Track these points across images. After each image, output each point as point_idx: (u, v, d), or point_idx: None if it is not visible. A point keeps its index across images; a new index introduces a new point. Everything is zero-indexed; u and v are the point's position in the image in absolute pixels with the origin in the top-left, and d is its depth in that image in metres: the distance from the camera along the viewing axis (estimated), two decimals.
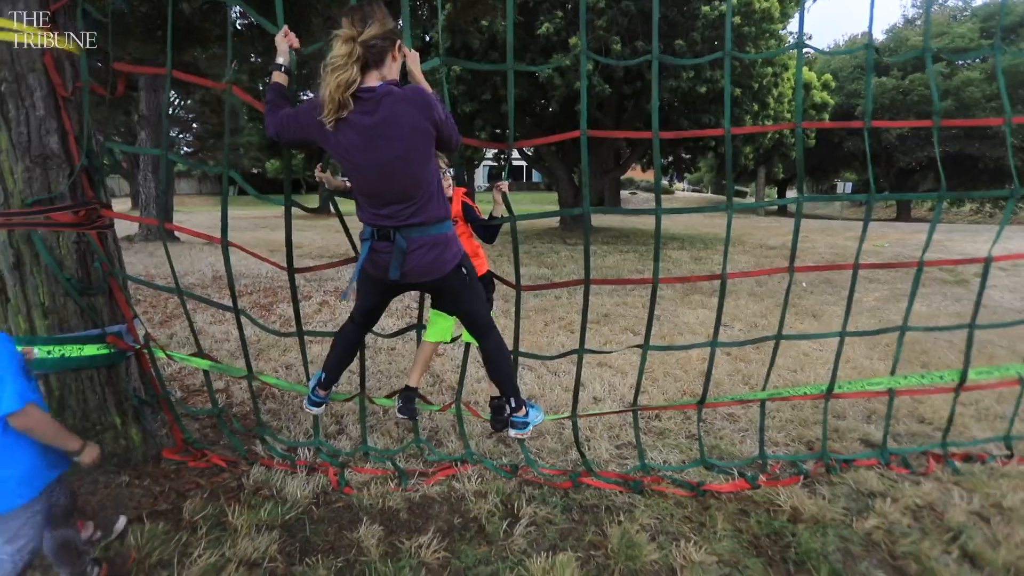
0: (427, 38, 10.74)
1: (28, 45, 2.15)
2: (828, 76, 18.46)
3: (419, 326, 2.69)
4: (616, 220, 16.74)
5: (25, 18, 2.14)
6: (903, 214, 26.31)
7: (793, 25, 11.15)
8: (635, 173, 25.53)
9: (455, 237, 1.97)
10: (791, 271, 2.47)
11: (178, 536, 2.07)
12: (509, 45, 2.27)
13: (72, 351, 2.32)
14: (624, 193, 33.16)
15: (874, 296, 7.03)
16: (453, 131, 1.88)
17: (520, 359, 2.67)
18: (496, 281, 2.75)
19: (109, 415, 2.49)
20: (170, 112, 14.91)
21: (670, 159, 14.67)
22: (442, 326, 2.65)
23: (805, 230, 15.65)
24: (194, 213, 22.36)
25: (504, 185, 2.42)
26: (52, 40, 2.19)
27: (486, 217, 2.47)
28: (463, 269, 1.99)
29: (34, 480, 1.56)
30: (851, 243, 12.28)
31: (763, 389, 2.66)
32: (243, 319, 2.53)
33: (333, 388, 2.40)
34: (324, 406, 2.41)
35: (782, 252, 11.30)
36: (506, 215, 2.40)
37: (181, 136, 23.63)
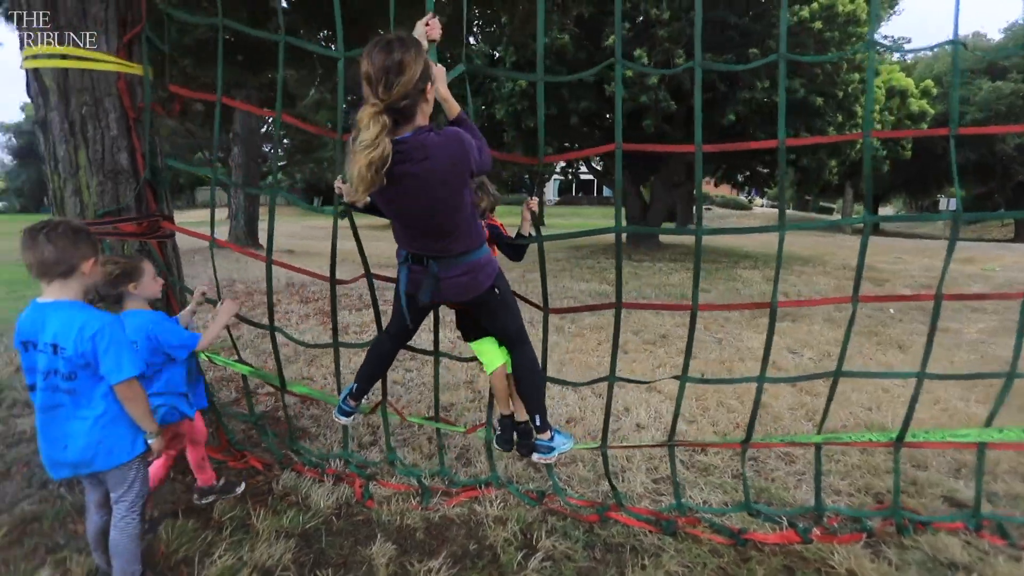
0: (495, 54, 10.94)
1: (106, 72, 2.37)
2: (929, 82, 16.78)
3: (436, 352, 2.59)
4: (687, 237, 16.09)
5: (104, 48, 2.37)
6: (1022, 234, 23.33)
7: (888, 28, 10.25)
8: (709, 188, 24.46)
9: (489, 259, 1.95)
10: (855, 301, 2.20)
11: (204, 535, 2.15)
12: (540, 56, 2.20)
13: None
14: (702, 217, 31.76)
15: (978, 327, 6.22)
16: (487, 160, 1.81)
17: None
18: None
19: None
20: (263, 129, 16.08)
21: (747, 174, 13.90)
22: (491, 352, 2.36)
23: (897, 251, 14.27)
24: (280, 223, 24.03)
25: (533, 203, 2.34)
26: (126, 67, 2.40)
27: (514, 235, 2.39)
28: (496, 289, 1.97)
29: (140, 437, 1.77)
30: (952, 265, 11.01)
31: (819, 431, 2.37)
32: (277, 332, 2.62)
33: (364, 400, 2.42)
34: (354, 416, 2.43)
35: (868, 273, 10.32)
36: (534, 234, 2.32)
37: (271, 151, 25.52)
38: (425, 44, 1.79)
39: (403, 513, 2.35)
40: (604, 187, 38.47)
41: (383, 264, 10.81)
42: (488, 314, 2.08)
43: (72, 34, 2.30)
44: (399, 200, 1.75)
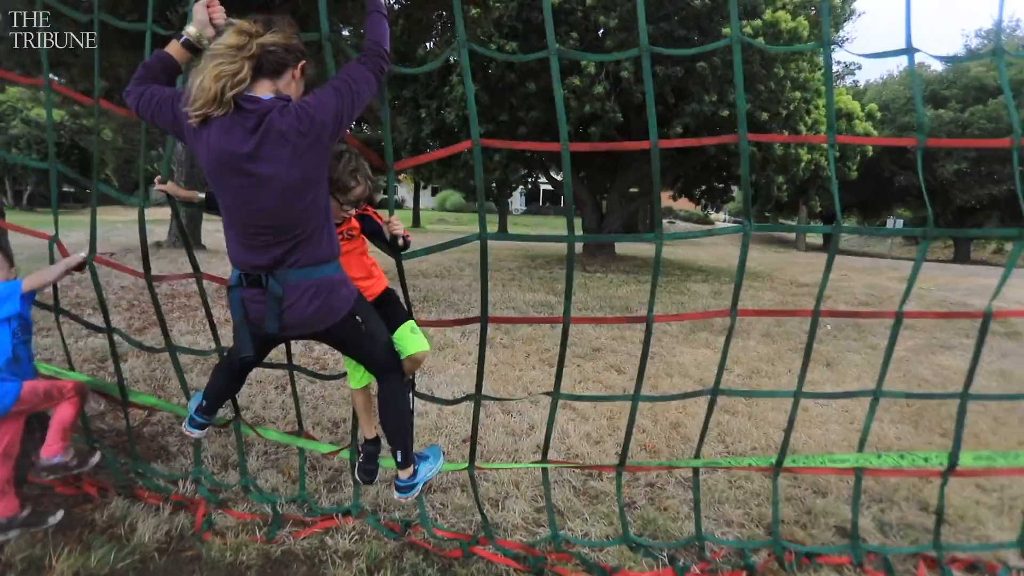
0: (451, 59, 10.79)
1: None
2: (873, 106, 17.40)
3: (291, 366, 2.33)
4: (644, 248, 16.18)
5: None
6: (961, 255, 24.42)
7: (837, 55, 10.49)
8: (670, 202, 24.82)
9: (344, 279, 1.66)
10: (733, 315, 2.05)
11: None
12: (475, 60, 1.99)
13: None
14: (666, 221, 32.34)
15: (906, 345, 6.29)
16: (361, 97, 1.55)
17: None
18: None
19: None
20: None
21: (703, 188, 14.05)
22: (360, 368, 2.13)
23: (845, 268, 14.65)
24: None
25: (397, 226, 1.92)
26: None
27: (385, 226, 1.98)
28: (357, 317, 1.69)
29: None
30: (893, 284, 11.32)
31: (696, 455, 2.21)
32: (116, 335, 2.31)
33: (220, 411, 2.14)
34: (207, 430, 2.13)
35: (813, 290, 10.49)
36: (409, 240, 1.98)
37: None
38: (209, 30, 1.57)
39: (240, 547, 2.06)
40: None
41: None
42: (346, 346, 1.81)
43: None
44: (234, 173, 1.45)
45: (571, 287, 1.97)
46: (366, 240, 2.01)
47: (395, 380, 1.87)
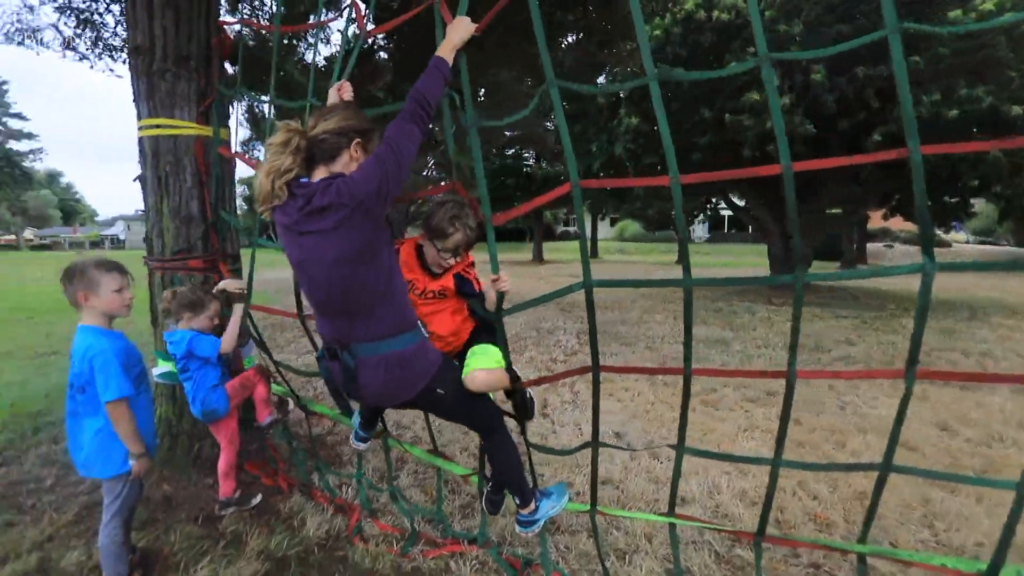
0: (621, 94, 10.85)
1: (187, 136, 2.86)
2: None
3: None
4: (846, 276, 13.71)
5: (186, 117, 2.87)
6: None
7: None
8: (880, 221, 20.78)
9: (420, 352, 1.64)
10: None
11: (203, 544, 2.34)
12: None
13: None
14: (876, 246, 26.99)
15: None
16: (404, 143, 1.53)
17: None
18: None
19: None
20: None
21: (928, 204, 11.44)
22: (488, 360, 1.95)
23: None
24: None
25: (502, 281, 1.80)
26: (200, 130, 2.88)
27: (481, 295, 1.96)
28: (439, 390, 1.67)
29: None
30: None
31: (861, 539, 1.75)
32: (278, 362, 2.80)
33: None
34: (369, 442, 2.43)
35: None
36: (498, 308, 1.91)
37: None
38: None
39: (378, 556, 2.30)
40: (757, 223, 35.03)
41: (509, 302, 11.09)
42: (439, 413, 1.84)
43: (163, 110, 2.83)
44: (301, 261, 1.57)
45: (690, 337, 1.77)
46: (461, 300, 1.99)
47: (499, 437, 1.88)
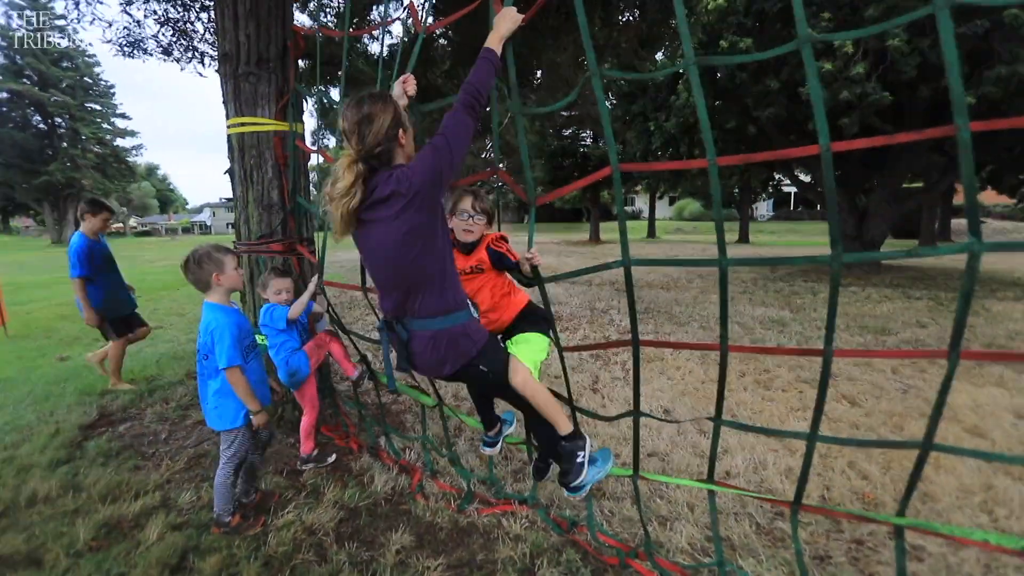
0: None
1: (267, 132, 3.17)
2: None
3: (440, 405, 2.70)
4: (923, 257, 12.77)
5: (267, 114, 3.17)
6: None
7: None
8: (984, 196, 18.96)
9: (465, 331, 1.75)
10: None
11: (287, 494, 2.69)
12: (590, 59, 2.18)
13: None
14: (964, 223, 24.64)
15: None
16: (459, 131, 1.65)
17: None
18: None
19: (292, 392, 3.38)
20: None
21: (1020, 177, 10.38)
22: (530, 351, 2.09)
23: None
24: None
25: (537, 257, 2.00)
26: (279, 126, 3.17)
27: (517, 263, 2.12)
28: (481, 367, 1.79)
29: (243, 412, 2.33)
30: None
31: (899, 512, 1.80)
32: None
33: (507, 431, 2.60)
34: (499, 446, 2.56)
35: None
36: (536, 276, 2.11)
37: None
38: (404, 100, 1.96)
39: (437, 511, 2.55)
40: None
41: None
42: (484, 387, 1.97)
43: (247, 108, 3.15)
44: (366, 244, 1.73)
45: (726, 313, 1.85)
46: (498, 272, 2.15)
47: (537, 413, 1.98)
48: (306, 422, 2.98)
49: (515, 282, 2.25)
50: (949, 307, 7.49)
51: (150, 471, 2.92)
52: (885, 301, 7.98)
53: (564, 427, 2.00)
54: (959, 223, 22.45)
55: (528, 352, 2.01)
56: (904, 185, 11.03)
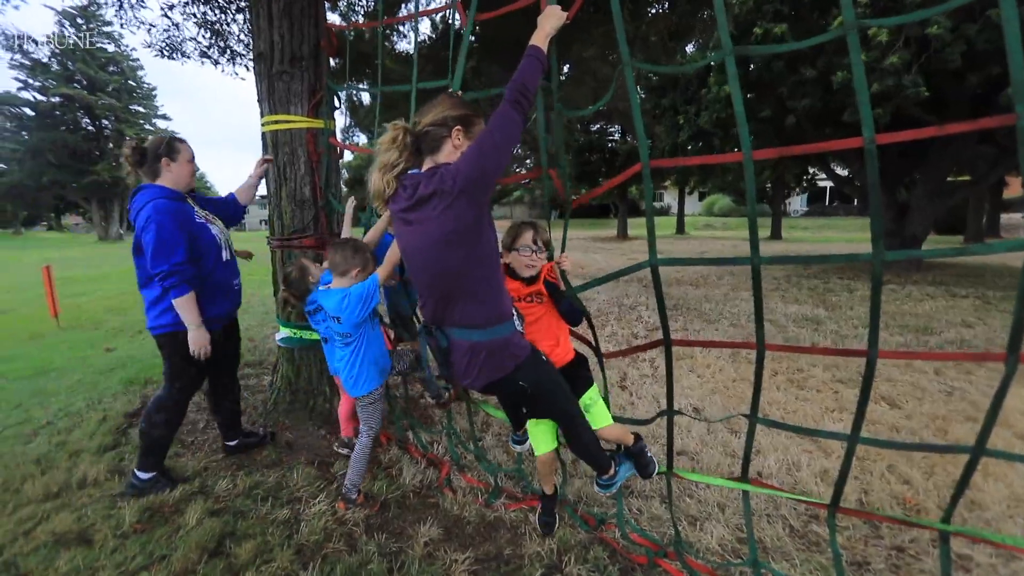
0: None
1: (300, 129, 3.23)
2: None
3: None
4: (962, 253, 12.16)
5: (300, 112, 3.23)
6: None
7: None
8: (1020, 189, 17.98)
9: (509, 345, 1.69)
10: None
11: (319, 484, 2.75)
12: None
13: (307, 335, 3.33)
14: (1015, 217, 23.36)
15: None
16: (507, 129, 1.55)
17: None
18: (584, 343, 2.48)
19: (323, 384, 3.46)
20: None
21: None
22: (544, 435, 2.28)
23: None
24: None
25: (566, 261, 2.07)
26: (312, 123, 3.23)
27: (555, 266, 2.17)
28: (520, 383, 1.72)
29: (381, 376, 2.57)
30: None
31: (945, 519, 1.72)
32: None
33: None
34: (525, 444, 2.53)
35: None
36: (574, 291, 2.16)
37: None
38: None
39: (465, 505, 2.57)
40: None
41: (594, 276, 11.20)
42: (523, 403, 1.88)
43: (281, 106, 3.22)
44: (407, 246, 1.69)
45: (761, 312, 1.81)
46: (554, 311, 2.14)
47: (574, 427, 1.98)
48: (344, 407, 3.03)
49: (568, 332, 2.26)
50: (998, 306, 7.13)
51: (188, 459, 3.03)
52: (927, 299, 7.66)
53: (630, 440, 2.24)
54: (1008, 218, 21.36)
55: (599, 413, 2.17)
56: (948, 179, 10.52)
